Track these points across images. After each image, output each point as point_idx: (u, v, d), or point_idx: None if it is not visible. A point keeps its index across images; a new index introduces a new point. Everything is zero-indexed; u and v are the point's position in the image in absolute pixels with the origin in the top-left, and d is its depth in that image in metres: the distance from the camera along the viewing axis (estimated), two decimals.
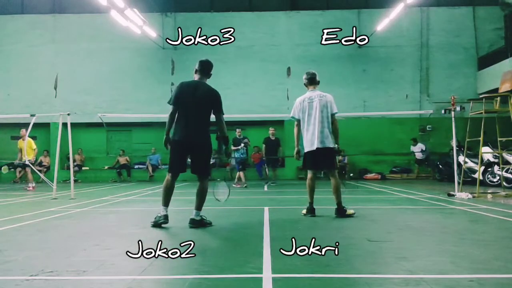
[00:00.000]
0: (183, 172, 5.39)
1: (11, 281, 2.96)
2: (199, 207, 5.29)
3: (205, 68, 5.52)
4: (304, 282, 2.93)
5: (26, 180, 13.63)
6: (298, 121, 6.19)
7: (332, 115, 6.05)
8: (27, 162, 12.17)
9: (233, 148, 12.94)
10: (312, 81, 6.30)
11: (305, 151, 6.14)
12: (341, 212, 5.98)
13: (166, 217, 5.24)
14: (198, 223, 5.22)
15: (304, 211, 6.24)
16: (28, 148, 12.65)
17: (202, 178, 5.38)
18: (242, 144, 12.91)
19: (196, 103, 5.23)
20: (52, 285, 2.91)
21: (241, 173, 12.96)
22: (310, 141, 6.03)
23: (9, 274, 3.16)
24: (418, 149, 17.02)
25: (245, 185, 12.79)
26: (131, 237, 4.70)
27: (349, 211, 6.05)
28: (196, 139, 5.24)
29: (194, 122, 5.23)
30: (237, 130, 13.58)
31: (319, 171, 6.04)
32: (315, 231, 4.99)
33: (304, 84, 6.37)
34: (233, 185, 12.69)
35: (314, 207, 6.19)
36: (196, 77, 5.48)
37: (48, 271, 3.18)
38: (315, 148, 5.98)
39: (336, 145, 6.10)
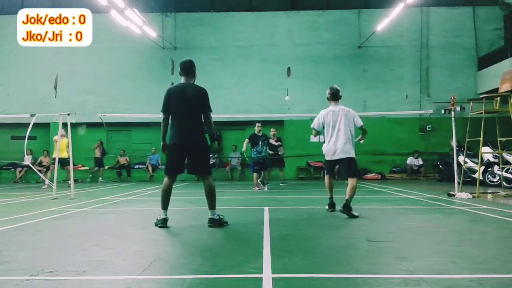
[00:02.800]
0: (181, 173, 5.47)
1: (11, 281, 2.96)
2: (212, 206, 5.34)
3: (187, 68, 5.49)
4: (304, 282, 2.93)
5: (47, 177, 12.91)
6: (317, 132, 6.77)
7: (360, 127, 6.69)
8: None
9: (244, 147, 12.04)
10: (335, 96, 6.71)
11: (326, 159, 6.63)
12: (347, 208, 6.11)
13: (164, 221, 5.28)
14: (217, 222, 5.27)
15: (327, 207, 6.79)
16: (64, 146, 12.44)
17: (205, 177, 5.41)
18: (260, 142, 11.76)
19: (186, 105, 5.26)
20: (52, 285, 2.91)
21: (255, 175, 12.07)
22: (332, 151, 6.49)
23: (9, 274, 3.16)
24: (417, 161, 17.03)
25: (258, 187, 11.83)
26: (131, 237, 4.70)
27: (354, 213, 6.10)
28: (192, 140, 5.28)
29: (188, 124, 5.28)
30: (257, 124, 12.24)
31: (335, 175, 7.00)
32: (315, 231, 4.99)
33: (327, 98, 6.79)
34: (253, 188, 11.81)
35: (334, 202, 6.75)
36: (182, 79, 5.50)
37: (48, 271, 3.18)
38: (337, 158, 6.48)
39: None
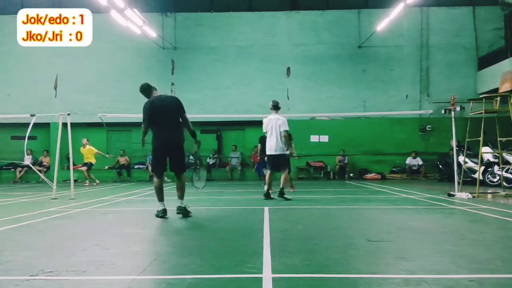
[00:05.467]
0: (165, 171, 6.31)
1: (11, 281, 2.96)
2: (181, 197, 6.18)
3: (145, 90, 6.43)
4: (304, 282, 2.93)
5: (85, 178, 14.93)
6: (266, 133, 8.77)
7: (282, 131, 8.57)
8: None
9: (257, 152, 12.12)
10: (276, 107, 8.88)
11: (268, 153, 8.70)
12: (282, 194, 8.47)
13: (164, 211, 5.98)
14: (184, 210, 6.08)
15: (264, 197, 8.57)
16: (89, 154, 14.87)
17: (180, 174, 6.24)
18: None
19: (165, 113, 6.11)
20: (52, 285, 2.92)
21: (284, 175, 11.70)
22: (272, 148, 8.59)
23: (9, 274, 3.16)
24: (415, 161, 17.03)
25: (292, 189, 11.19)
26: (131, 237, 4.70)
27: (287, 196, 8.43)
28: (174, 142, 6.10)
29: (169, 128, 6.08)
30: None
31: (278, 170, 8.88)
32: (315, 231, 4.99)
33: (270, 108, 8.87)
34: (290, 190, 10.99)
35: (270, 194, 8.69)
36: (155, 93, 6.38)
37: (48, 271, 3.18)
38: (274, 153, 8.57)
39: (289, 152, 9.03)
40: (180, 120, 6.20)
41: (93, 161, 15.05)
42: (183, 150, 6.21)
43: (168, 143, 6.07)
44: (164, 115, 6.09)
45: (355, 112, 17.52)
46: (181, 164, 6.21)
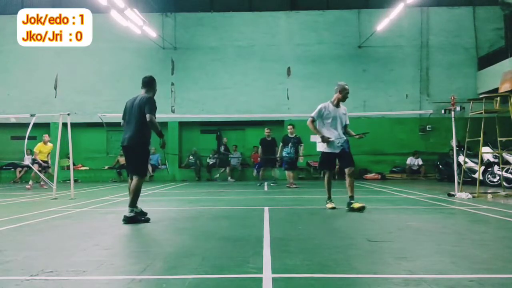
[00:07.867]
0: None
1: (11, 281, 2.96)
2: (132, 204, 5.78)
3: (145, 83, 6.17)
4: (304, 282, 2.93)
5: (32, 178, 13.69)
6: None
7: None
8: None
9: (279, 151, 12.74)
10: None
11: (329, 151, 7.03)
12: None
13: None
14: (131, 219, 5.62)
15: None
16: (48, 152, 13.47)
17: (136, 177, 5.87)
18: (290, 144, 12.44)
19: (131, 112, 5.93)
20: (52, 285, 2.91)
21: (289, 173, 12.70)
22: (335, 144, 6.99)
23: (9, 274, 3.16)
24: (416, 162, 17.03)
25: (294, 185, 12.49)
26: (131, 237, 4.71)
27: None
28: (128, 142, 5.84)
29: (129, 129, 5.88)
30: (288, 127, 12.85)
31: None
32: (315, 231, 4.99)
33: (343, 94, 6.96)
34: (287, 186, 12.46)
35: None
36: (142, 92, 6.14)
37: (48, 271, 3.18)
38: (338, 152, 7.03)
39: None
40: (142, 122, 5.81)
41: (47, 160, 13.49)
42: (140, 151, 5.84)
43: (124, 142, 5.88)
44: (128, 114, 5.96)
45: (355, 112, 17.49)
46: (134, 165, 5.86)
